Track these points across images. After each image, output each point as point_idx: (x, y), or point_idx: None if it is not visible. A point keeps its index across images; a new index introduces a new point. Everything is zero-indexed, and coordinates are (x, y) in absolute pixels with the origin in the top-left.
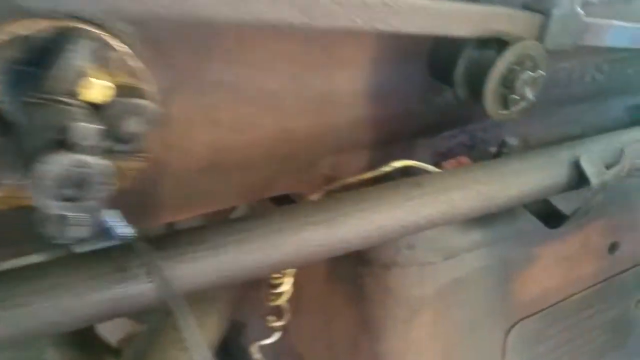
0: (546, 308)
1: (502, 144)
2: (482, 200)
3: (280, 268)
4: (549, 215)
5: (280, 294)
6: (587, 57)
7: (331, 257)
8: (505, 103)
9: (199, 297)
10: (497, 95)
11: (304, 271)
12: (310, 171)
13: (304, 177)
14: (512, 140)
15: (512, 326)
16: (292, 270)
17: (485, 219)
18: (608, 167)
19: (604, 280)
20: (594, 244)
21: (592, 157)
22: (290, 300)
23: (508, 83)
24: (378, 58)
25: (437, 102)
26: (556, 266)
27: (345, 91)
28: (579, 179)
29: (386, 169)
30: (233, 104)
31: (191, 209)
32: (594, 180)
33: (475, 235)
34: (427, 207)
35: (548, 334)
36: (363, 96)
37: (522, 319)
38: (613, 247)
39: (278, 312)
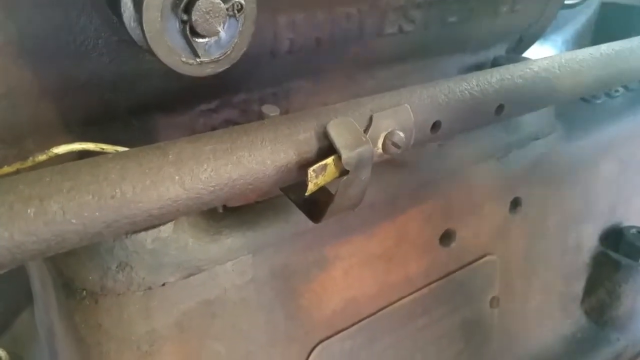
0: (358, 322)
1: (260, 117)
2: (185, 189)
3: None
4: (312, 203)
5: None
6: (384, 0)
7: (55, 290)
8: (190, 45)
9: None
10: (170, 33)
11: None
12: None
13: None
14: (271, 110)
15: (311, 351)
16: None
17: (243, 220)
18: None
19: (441, 278)
20: (417, 236)
21: (346, 124)
22: None
23: (184, 13)
24: None
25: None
26: (365, 269)
27: None
28: (326, 152)
29: (41, 157)
30: None
31: None
32: (346, 153)
33: (231, 242)
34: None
35: (368, 353)
36: None
37: (323, 340)
38: (447, 238)
39: None
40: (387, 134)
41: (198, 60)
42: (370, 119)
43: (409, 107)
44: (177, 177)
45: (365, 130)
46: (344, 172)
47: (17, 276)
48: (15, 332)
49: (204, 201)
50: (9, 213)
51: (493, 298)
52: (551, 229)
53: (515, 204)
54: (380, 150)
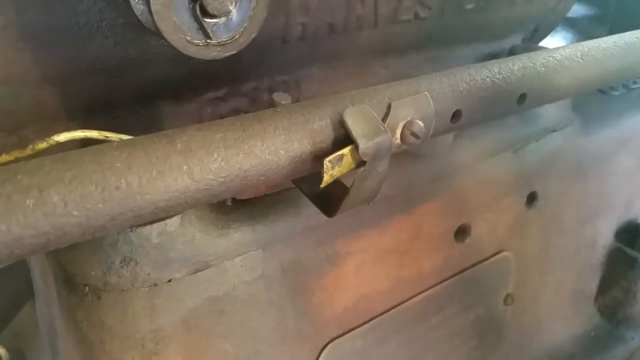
0: (370, 320)
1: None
2: (194, 180)
3: None
4: (326, 196)
5: None
6: None
7: (56, 286)
8: (201, 25)
9: None
10: (177, 8)
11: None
12: None
13: None
14: (283, 98)
15: (321, 350)
16: None
17: (253, 213)
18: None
19: (455, 274)
20: (432, 231)
21: (364, 112)
22: None
23: None
24: None
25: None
26: (377, 264)
27: None
28: (343, 142)
29: (41, 145)
30: None
31: None
32: (363, 142)
33: (239, 237)
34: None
35: (380, 352)
36: None
37: (334, 339)
38: (462, 233)
39: None
40: (405, 123)
41: (204, 41)
42: (389, 107)
43: (428, 95)
44: (185, 167)
45: (383, 119)
46: (360, 164)
47: (19, 269)
48: (16, 327)
49: (214, 193)
50: (7, 204)
51: (507, 295)
52: (567, 225)
53: (532, 198)
54: (398, 141)
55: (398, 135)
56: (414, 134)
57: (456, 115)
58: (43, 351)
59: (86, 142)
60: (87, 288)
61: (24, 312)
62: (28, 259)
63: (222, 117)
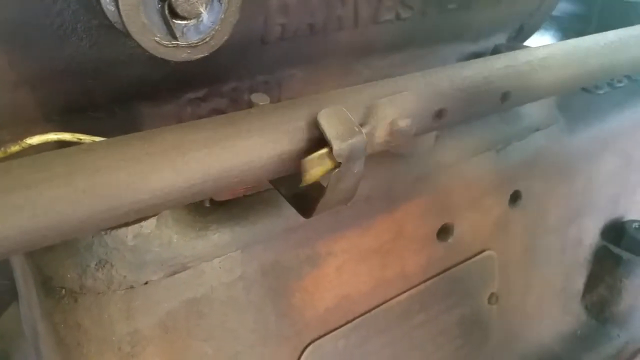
0: (353, 320)
1: (250, 106)
2: (166, 182)
3: None
4: (303, 197)
5: None
6: None
7: (36, 288)
8: (168, 25)
9: None
10: (147, 9)
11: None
12: None
13: None
14: (261, 99)
15: (303, 351)
16: None
17: (231, 214)
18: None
19: (438, 274)
20: (414, 231)
21: (339, 113)
22: None
23: None
24: None
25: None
26: (359, 265)
27: None
28: (318, 143)
29: (14, 148)
30: None
31: None
32: (337, 144)
33: (218, 238)
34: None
35: (363, 352)
36: None
37: (315, 340)
38: (445, 232)
39: None
40: (388, 123)
41: (173, 42)
42: (370, 106)
43: (409, 94)
44: (157, 170)
45: (365, 119)
46: (336, 165)
47: (2, 270)
48: (0, 328)
49: (186, 195)
50: None
51: (492, 294)
52: (551, 223)
53: (515, 197)
54: (380, 140)
55: (380, 134)
56: (396, 133)
57: (439, 114)
58: (28, 352)
59: (61, 145)
60: (63, 291)
61: (8, 313)
62: (10, 260)
63: (201, 117)
